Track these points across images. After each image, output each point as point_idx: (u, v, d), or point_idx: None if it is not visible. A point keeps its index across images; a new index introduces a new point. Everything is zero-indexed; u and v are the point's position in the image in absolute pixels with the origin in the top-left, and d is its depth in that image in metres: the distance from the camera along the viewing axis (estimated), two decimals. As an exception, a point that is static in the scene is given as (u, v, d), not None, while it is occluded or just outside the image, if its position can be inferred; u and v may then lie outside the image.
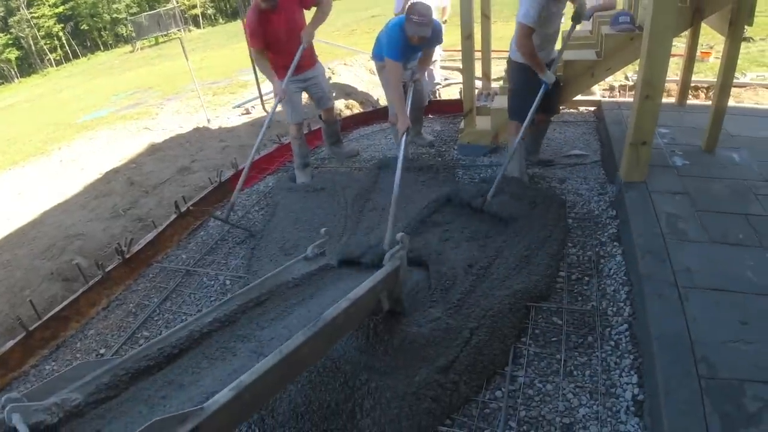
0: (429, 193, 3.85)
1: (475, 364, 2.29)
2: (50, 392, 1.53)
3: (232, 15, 43.46)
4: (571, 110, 5.57)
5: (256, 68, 4.19)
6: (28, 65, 40.60)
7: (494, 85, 5.78)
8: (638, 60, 4.20)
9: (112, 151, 7.70)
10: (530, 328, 2.58)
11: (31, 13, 38.78)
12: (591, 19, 4.88)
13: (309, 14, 4.21)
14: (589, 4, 3.81)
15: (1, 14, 39.40)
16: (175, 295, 3.42)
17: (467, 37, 4.15)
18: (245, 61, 14.23)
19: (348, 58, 9.68)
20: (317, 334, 1.58)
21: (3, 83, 38.43)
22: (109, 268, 3.66)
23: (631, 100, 5.51)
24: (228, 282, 3.39)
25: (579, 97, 5.18)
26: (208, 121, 7.83)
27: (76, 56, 40.95)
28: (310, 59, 4.28)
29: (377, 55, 4.39)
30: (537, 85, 3.57)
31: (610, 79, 6.98)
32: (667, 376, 1.94)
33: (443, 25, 5.93)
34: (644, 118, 3.25)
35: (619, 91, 6.87)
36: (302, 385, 2.21)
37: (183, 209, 4.21)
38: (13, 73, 39.23)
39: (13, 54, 39.21)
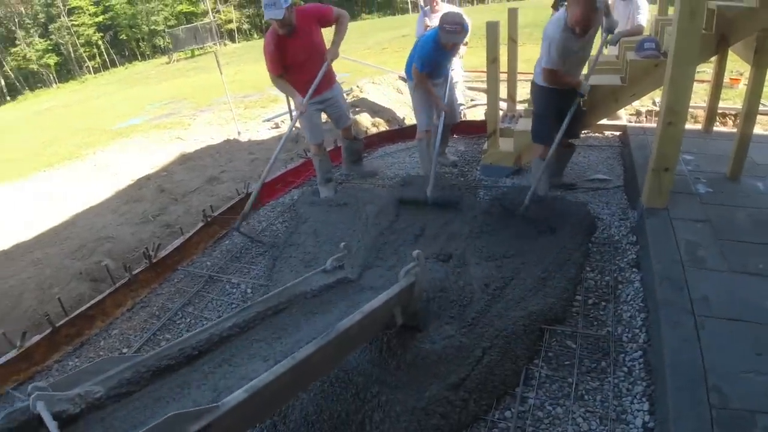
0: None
1: (486, 383, 2.31)
2: (74, 384, 1.61)
3: (266, 31, 44.28)
4: (596, 134, 5.57)
5: (301, 118, 4.30)
6: (66, 71, 42.03)
7: (519, 107, 5.82)
8: (661, 85, 4.27)
9: (144, 159, 7.94)
10: (543, 350, 2.59)
11: (71, 20, 40.22)
12: (617, 44, 4.91)
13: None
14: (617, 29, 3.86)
15: (42, 20, 40.90)
16: (198, 300, 3.52)
17: (493, 60, 4.21)
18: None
19: (376, 77, 9.81)
20: (330, 344, 1.64)
21: (41, 87, 39.86)
22: (136, 271, 3.79)
23: (655, 125, 5.55)
24: (249, 290, 3.48)
25: (604, 122, 5.19)
26: (239, 133, 8.02)
27: (114, 65, 42.25)
28: (327, 81, 4.33)
29: (410, 73, 4.53)
30: (560, 109, 3.62)
31: (637, 104, 6.97)
32: (678, 403, 1.93)
33: (464, 48, 6.02)
34: (667, 145, 3.25)
35: (646, 116, 6.85)
36: (314, 394, 2.26)
37: (210, 218, 4.33)
38: (51, 78, 40.67)
39: (52, 59, 40.67)
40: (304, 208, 4.34)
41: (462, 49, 5.98)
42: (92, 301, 3.57)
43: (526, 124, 4.38)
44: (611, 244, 3.53)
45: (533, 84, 3.85)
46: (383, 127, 6.71)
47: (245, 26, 44.79)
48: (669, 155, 3.30)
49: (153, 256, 3.93)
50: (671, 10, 5.04)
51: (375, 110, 7.13)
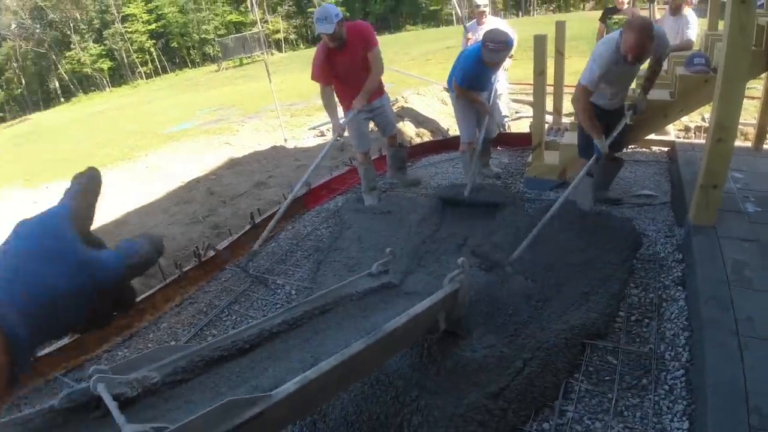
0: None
1: (525, 394, 2.32)
2: (133, 369, 1.72)
3: (312, 41, 45.23)
4: (644, 149, 5.49)
5: (346, 125, 4.49)
6: (119, 76, 43.82)
7: (565, 120, 5.80)
8: (710, 101, 4.20)
9: (194, 162, 8.22)
10: (584, 364, 2.59)
11: (125, 27, 41.92)
12: (666, 59, 4.86)
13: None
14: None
15: (97, 26, 42.75)
16: (243, 299, 3.64)
17: (540, 73, 4.24)
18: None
19: (421, 88, 9.93)
20: (377, 343, 1.70)
21: (95, 90, 41.67)
22: (186, 269, 3.95)
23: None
24: (293, 291, 3.59)
25: (652, 137, 5.14)
26: (285, 140, 8.23)
27: (165, 71, 43.79)
28: (378, 90, 4.52)
29: (452, 86, 4.61)
30: (607, 124, 3.62)
31: (685, 120, 6.82)
32: (717, 424, 1.92)
33: (510, 60, 6.04)
34: (716, 162, 3.21)
35: (695, 132, 6.69)
36: (355, 395, 2.32)
37: (257, 221, 4.47)
38: (105, 82, 42.45)
39: (106, 64, 42.49)
40: (348, 214, 4.44)
41: (507, 61, 6.03)
42: (143, 295, 3.75)
43: (571, 138, 4.37)
44: (656, 261, 3.48)
45: None
46: (427, 137, 6.78)
47: (292, 36, 45.77)
48: (718, 172, 3.26)
49: (203, 255, 4.09)
50: (721, 25, 4.98)
51: (419, 120, 7.21)
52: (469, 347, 2.51)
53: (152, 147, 10.68)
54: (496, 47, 4.03)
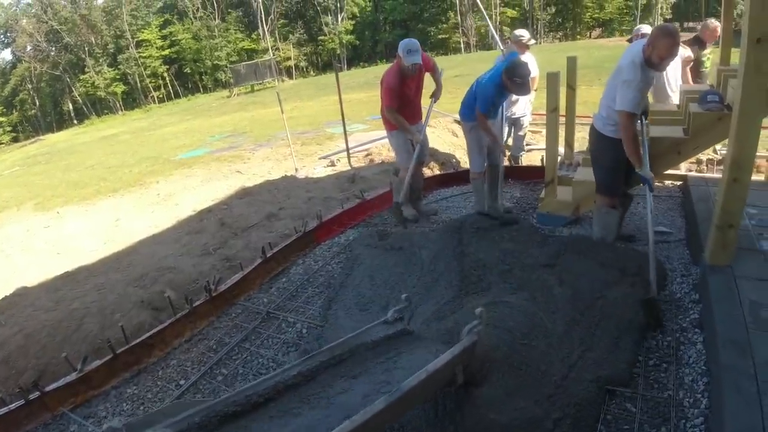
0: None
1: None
2: (148, 425, 1.69)
3: (323, 68, 45.92)
4: (656, 184, 5.43)
5: (394, 137, 5.03)
6: (132, 100, 44.62)
7: (576, 155, 5.78)
8: (724, 139, 4.17)
9: (206, 191, 8.27)
10: (602, 412, 2.53)
11: (139, 52, 42.78)
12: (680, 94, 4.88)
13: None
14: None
15: (112, 51, 43.61)
16: (254, 336, 3.61)
17: (553, 110, 4.24)
18: (333, 113, 15.00)
19: (431, 120, 9.90)
20: (396, 402, 1.66)
21: (108, 114, 42.34)
22: (196, 303, 3.93)
23: (719, 176, 5.38)
24: (305, 330, 3.55)
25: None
26: (296, 170, 8.27)
27: (177, 96, 44.47)
28: (418, 112, 5.05)
29: (466, 115, 4.69)
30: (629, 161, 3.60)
31: (697, 153, 6.79)
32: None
33: (533, 93, 6.05)
34: (732, 202, 3.17)
35: (707, 165, 6.65)
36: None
37: (268, 254, 4.47)
38: (118, 105, 43.16)
39: (119, 88, 43.33)
40: (359, 249, 4.41)
41: (531, 94, 6.05)
42: (153, 330, 3.73)
43: (585, 174, 4.34)
44: (673, 301, 3.42)
45: (599, 135, 3.76)
46: (438, 170, 6.77)
47: (302, 63, 46.39)
48: (734, 212, 3.21)
49: (213, 289, 4.08)
50: (734, 59, 4.98)
51: (430, 153, 7.19)
52: (494, 407, 2.36)
53: (164, 173, 10.77)
54: (524, 81, 4.18)
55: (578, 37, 41.76)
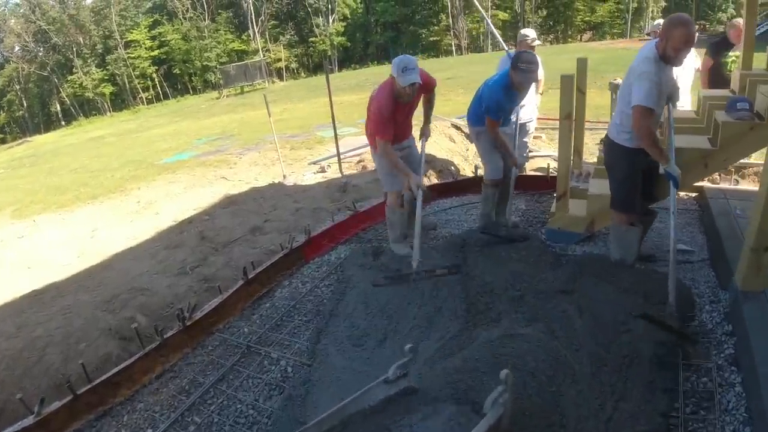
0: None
1: None
2: None
3: (313, 70, 45.48)
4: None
5: (382, 158, 4.00)
6: (121, 101, 43.99)
7: (586, 163, 5.40)
8: (758, 151, 3.80)
9: (188, 198, 7.81)
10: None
11: (128, 53, 42.11)
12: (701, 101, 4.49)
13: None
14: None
15: (100, 51, 42.95)
16: (232, 376, 3.17)
17: (566, 116, 3.84)
18: (324, 116, 14.50)
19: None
20: None
21: (96, 115, 41.72)
22: (168, 335, 3.50)
23: (738, 187, 5.01)
24: (290, 369, 3.11)
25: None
26: (284, 177, 7.83)
27: (166, 97, 43.87)
28: (408, 130, 4.26)
29: (473, 120, 4.32)
30: (645, 172, 3.22)
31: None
32: None
33: (539, 96, 5.64)
34: (771, 221, 2.81)
35: (720, 176, 6.27)
36: None
37: (250, 276, 4.03)
38: (106, 106, 42.53)
39: (108, 89, 42.68)
40: (352, 270, 3.97)
41: (537, 97, 5.65)
42: (118, 367, 3.29)
43: (600, 187, 3.93)
44: (704, 333, 3.04)
45: (614, 145, 3.38)
46: (434, 178, 6.33)
47: (293, 65, 45.93)
48: (772, 233, 2.86)
49: (187, 317, 3.63)
50: (761, 62, 4.61)
51: (426, 160, 6.75)
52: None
53: (147, 179, 10.29)
54: (529, 68, 3.82)
55: (569, 40, 41.63)
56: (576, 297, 3.16)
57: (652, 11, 40.42)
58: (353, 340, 3.11)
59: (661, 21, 5.70)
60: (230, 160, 10.42)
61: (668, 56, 2.99)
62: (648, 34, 5.57)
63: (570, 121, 3.90)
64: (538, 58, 5.48)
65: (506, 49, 5.68)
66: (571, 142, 4.04)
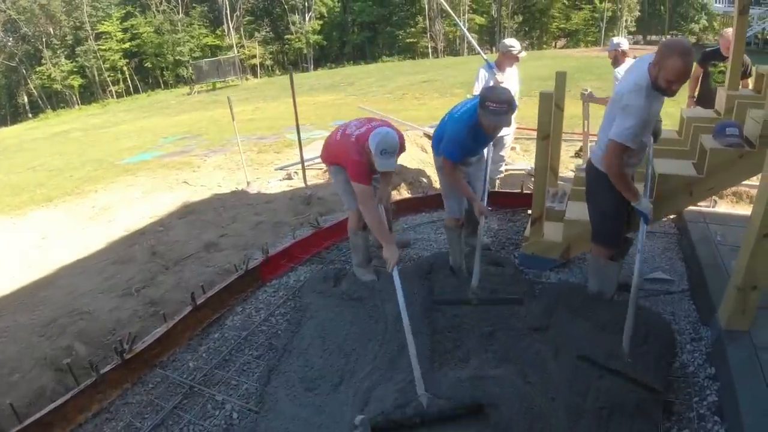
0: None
1: None
2: None
3: (288, 68, 44.87)
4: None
5: (364, 209, 3.48)
6: (90, 94, 42.60)
7: (562, 179, 5.17)
8: (745, 179, 3.62)
9: (145, 205, 7.36)
10: None
11: (98, 45, 40.78)
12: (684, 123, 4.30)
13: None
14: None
15: (70, 42, 41.60)
16: (171, 421, 2.84)
17: (544, 137, 3.59)
18: (293, 118, 14.08)
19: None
20: None
21: (64, 107, 40.38)
22: (104, 370, 3.14)
23: (716, 209, 4.87)
24: (235, 414, 2.79)
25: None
26: (248, 183, 7.44)
27: (137, 91, 42.65)
28: None
29: (437, 148, 3.72)
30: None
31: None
32: None
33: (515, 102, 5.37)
34: (760, 261, 2.64)
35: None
36: None
37: (199, 301, 3.68)
38: (75, 99, 41.23)
39: (76, 81, 41.27)
40: (310, 297, 3.66)
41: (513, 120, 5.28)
42: (51, 406, 2.91)
43: (578, 212, 3.67)
44: (685, 376, 2.84)
45: (597, 174, 3.06)
46: (405, 192, 6.03)
47: (268, 62, 45.22)
48: (760, 272, 2.68)
49: (127, 349, 3.28)
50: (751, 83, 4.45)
51: (395, 171, 6.43)
52: None
53: (106, 180, 9.76)
54: (500, 108, 3.12)
55: (544, 46, 41.89)
56: (551, 335, 2.92)
57: (626, 20, 40.97)
58: (306, 383, 2.80)
59: (619, 39, 5.53)
60: (194, 163, 9.96)
61: (660, 86, 2.66)
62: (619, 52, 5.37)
63: (548, 142, 3.66)
64: (515, 71, 5.19)
65: (485, 57, 5.36)
66: (548, 163, 3.79)
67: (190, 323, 3.63)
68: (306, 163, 7.03)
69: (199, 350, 3.42)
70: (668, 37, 40.67)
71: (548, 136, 3.58)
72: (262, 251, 4.22)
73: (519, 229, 4.62)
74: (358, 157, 3.39)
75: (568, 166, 6.69)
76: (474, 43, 6.31)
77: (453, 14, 7.72)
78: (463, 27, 8.22)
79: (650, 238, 4.43)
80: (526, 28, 44.00)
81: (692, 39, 35.53)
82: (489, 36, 43.32)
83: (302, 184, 6.86)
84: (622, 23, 40.56)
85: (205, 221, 5.79)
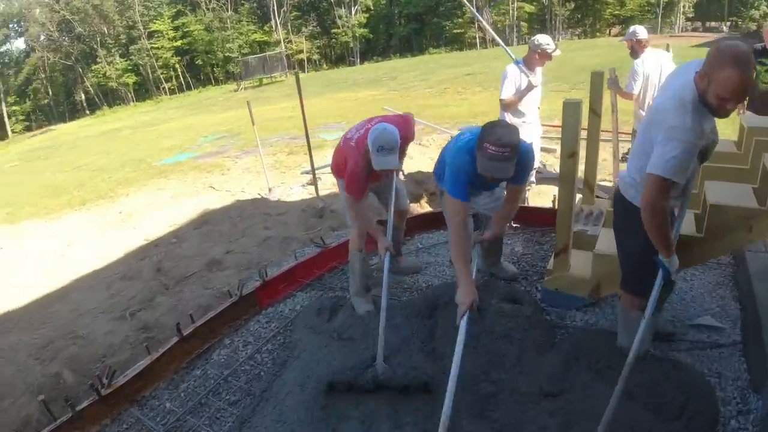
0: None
1: None
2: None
3: (336, 62, 44.88)
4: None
5: (349, 209, 3.43)
6: (144, 91, 44.23)
7: (599, 191, 4.60)
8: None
9: (169, 211, 7.26)
10: None
11: (151, 43, 42.08)
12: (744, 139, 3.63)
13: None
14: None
15: (124, 41, 43.07)
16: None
17: (570, 155, 3.07)
18: (333, 114, 13.88)
19: (425, 137, 8.58)
20: None
21: (120, 104, 41.95)
22: (80, 407, 2.94)
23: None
24: (197, 475, 2.50)
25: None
26: (269, 190, 7.20)
27: (189, 88, 43.81)
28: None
29: (438, 175, 3.29)
30: None
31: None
32: None
33: (539, 94, 4.85)
34: None
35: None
36: None
37: (186, 332, 3.41)
38: (130, 96, 42.74)
39: (131, 79, 42.91)
40: (300, 333, 3.31)
41: (538, 99, 4.78)
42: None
43: (609, 243, 3.06)
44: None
45: (627, 207, 2.49)
46: (424, 204, 5.57)
47: (315, 56, 45.38)
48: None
49: (106, 384, 3.07)
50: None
51: (418, 180, 5.99)
52: None
53: (139, 183, 9.81)
54: (499, 153, 2.48)
55: (597, 34, 40.09)
56: (564, 402, 2.46)
57: (684, 6, 38.79)
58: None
59: (637, 28, 4.91)
60: (225, 165, 9.86)
61: (709, 103, 2.06)
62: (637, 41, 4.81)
63: (575, 160, 3.12)
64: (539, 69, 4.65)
65: (511, 55, 4.85)
66: (575, 183, 3.23)
67: (177, 354, 3.38)
68: (325, 169, 6.67)
69: (180, 387, 3.15)
70: (727, 24, 38.13)
71: (575, 154, 3.05)
72: (260, 275, 3.91)
73: (547, 254, 4.08)
74: (354, 166, 3.19)
75: (607, 170, 5.98)
76: (497, 38, 5.80)
77: (470, 6, 7.19)
78: (482, 20, 7.64)
79: (699, 270, 3.73)
80: (579, 15, 42.35)
81: (753, 26, 33.17)
82: (540, 24, 41.80)
83: (323, 190, 6.54)
84: (679, 9, 38.47)
85: (219, 233, 5.59)
